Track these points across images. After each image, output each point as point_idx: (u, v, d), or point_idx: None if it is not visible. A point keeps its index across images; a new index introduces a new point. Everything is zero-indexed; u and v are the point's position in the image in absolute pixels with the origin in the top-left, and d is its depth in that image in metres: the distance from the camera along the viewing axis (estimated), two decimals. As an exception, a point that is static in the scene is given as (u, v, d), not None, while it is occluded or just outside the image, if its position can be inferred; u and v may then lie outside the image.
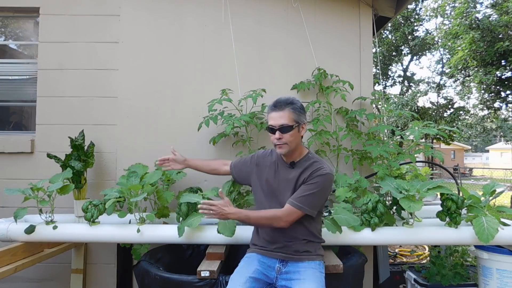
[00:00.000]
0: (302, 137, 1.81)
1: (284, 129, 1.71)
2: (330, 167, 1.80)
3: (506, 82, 13.05)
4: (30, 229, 2.11)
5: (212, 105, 2.56)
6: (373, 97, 2.87)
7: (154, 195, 2.37)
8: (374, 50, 3.16)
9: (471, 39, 12.50)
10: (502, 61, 12.58)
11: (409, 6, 16.96)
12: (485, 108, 15.51)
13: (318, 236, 1.84)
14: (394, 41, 19.36)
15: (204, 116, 2.61)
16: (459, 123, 18.20)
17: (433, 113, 18.23)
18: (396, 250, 4.57)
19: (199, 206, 1.71)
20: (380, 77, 17.71)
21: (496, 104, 14.71)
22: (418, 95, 18.51)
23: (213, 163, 2.21)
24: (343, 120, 2.88)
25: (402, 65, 21.20)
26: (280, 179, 1.82)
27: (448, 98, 19.41)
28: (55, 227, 2.13)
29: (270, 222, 1.71)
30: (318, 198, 1.74)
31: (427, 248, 4.42)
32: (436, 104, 19.11)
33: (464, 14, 13.16)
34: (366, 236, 2.05)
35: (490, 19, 12.66)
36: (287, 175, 1.81)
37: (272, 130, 1.75)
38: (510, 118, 18.46)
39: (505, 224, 2.08)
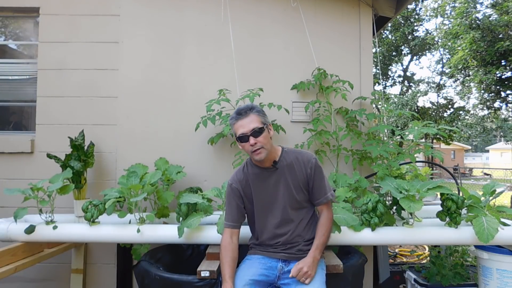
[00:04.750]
0: (271, 138, 1.77)
1: (256, 132, 1.68)
2: (306, 151, 1.89)
3: (506, 82, 13.07)
4: (30, 229, 2.11)
5: (210, 106, 2.56)
6: (373, 97, 2.87)
7: (154, 195, 2.37)
8: (374, 50, 3.16)
9: (471, 39, 12.52)
10: (502, 61, 12.60)
11: (409, 6, 16.97)
12: (485, 108, 15.53)
13: None
14: (394, 41, 19.37)
15: (202, 116, 2.61)
16: (459, 123, 18.22)
17: (433, 113, 18.26)
18: (396, 250, 4.57)
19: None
20: (380, 77, 17.72)
21: (496, 104, 14.72)
22: (418, 95, 18.52)
23: (234, 252, 1.78)
24: (343, 120, 2.88)
25: (402, 65, 21.22)
26: (271, 186, 1.79)
27: (448, 98, 19.43)
28: (55, 227, 2.13)
29: (330, 227, 1.82)
30: (326, 177, 1.86)
31: (427, 248, 4.41)
32: (436, 104, 19.13)
33: (464, 14, 13.17)
34: (366, 236, 2.05)
35: (490, 19, 12.67)
36: (276, 178, 1.78)
37: (244, 138, 1.69)
38: (510, 118, 18.47)
39: (505, 224, 2.08)
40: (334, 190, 2.12)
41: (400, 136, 2.58)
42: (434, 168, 9.62)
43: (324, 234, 1.77)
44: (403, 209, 2.03)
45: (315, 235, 1.78)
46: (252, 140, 1.67)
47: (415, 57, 20.83)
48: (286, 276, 1.72)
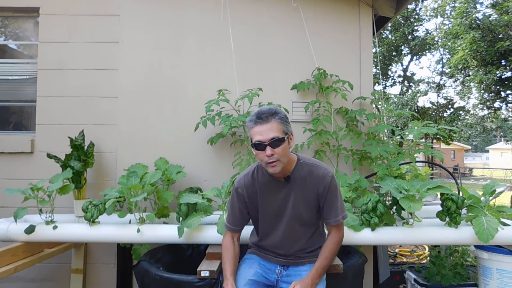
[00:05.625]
0: (290, 147, 1.62)
1: (275, 143, 1.51)
2: (323, 164, 1.72)
3: (506, 82, 13.07)
4: (30, 229, 2.11)
5: (210, 106, 2.56)
6: (373, 97, 2.87)
7: (154, 195, 2.37)
8: (374, 50, 3.16)
9: (471, 39, 12.53)
10: (502, 61, 12.61)
11: (409, 6, 16.97)
12: (485, 108, 15.53)
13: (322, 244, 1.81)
14: (394, 41, 19.37)
15: (202, 117, 2.61)
16: (459, 123, 18.22)
17: (433, 113, 18.26)
18: (396, 250, 4.57)
19: None
20: (380, 77, 17.72)
21: (496, 104, 14.73)
22: (418, 95, 18.53)
23: (235, 251, 1.77)
24: (343, 120, 2.88)
25: (402, 65, 21.22)
26: (280, 199, 1.69)
27: (448, 98, 19.44)
28: (55, 227, 2.13)
29: (335, 251, 1.71)
30: (341, 198, 1.73)
31: (427, 248, 4.41)
32: (436, 104, 19.13)
33: (464, 14, 13.18)
34: (366, 236, 2.05)
35: (490, 19, 12.68)
36: (286, 192, 1.68)
37: (260, 146, 1.51)
38: (510, 118, 18.48)
39: (505, 224, 2.08)
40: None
41: (400, 136, 2.58)
42: (434, 168, 9.62)
43: (327, 257, 1.66)
44: (403, 209, 2.03)
45: (319, 255, 1.68)
46: (269, 150, 1.51)
47: (415, 57, 20.83)
48: (285, 280, 1.71)
